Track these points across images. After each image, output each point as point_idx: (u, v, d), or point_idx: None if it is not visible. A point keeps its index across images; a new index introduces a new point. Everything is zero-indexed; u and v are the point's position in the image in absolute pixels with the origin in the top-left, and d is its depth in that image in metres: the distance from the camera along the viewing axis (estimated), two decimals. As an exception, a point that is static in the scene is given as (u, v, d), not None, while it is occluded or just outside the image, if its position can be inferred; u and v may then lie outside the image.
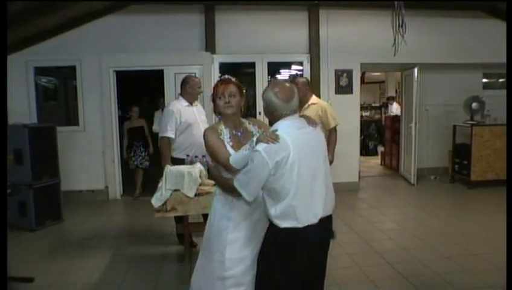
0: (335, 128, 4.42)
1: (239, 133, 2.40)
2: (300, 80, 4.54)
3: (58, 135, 5.53)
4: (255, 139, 2.10)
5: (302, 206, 2.01)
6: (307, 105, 4.30)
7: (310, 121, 2.20)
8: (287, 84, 2.16)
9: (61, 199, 5.49)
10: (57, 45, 6.26)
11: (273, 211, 2.04)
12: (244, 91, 2.45)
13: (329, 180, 2.17)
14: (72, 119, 6.70)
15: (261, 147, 1.98)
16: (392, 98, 10.91)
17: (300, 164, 2.00)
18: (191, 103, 4.10)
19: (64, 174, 5.73)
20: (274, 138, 1.98)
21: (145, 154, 6.69)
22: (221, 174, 2.33)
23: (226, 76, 2.44)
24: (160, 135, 4.09)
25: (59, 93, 7.20)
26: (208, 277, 2.34)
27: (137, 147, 6.64)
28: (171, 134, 3.98)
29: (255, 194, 2.07)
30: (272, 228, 2.11)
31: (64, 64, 6.48)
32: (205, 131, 2.39)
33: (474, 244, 4.40)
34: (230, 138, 2.34)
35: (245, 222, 2.30)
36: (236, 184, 2.07)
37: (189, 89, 4.08)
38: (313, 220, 2.04)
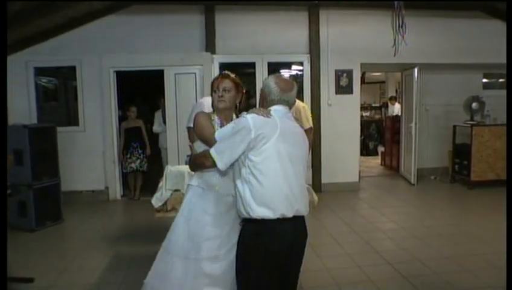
0: (310, 130, 4.45)
1: None
2: None
3: (58, 135, 5.53)
4: (245, 112, 2.14)
5: (280, 194, 1.98)
6: None
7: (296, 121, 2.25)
8: (290, 79, 2.26)
9: (61, 199, 5.49)
10: (57, 45, 6.27)
11: (249, 194, 1.98)
12: (244, 91, 2.48)
13: (304, 183, 2.15)
14: (72, 119, 6.70)
15: (249, 115, 2.01)
16: (394, 98, 10.89)
17: (284, 150, 2.00)
18: None
19: (64, 175, 5.72)
20: (266, 113, 2.03)
21: (143, 156, 6.61)
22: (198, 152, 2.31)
23: (226, 72, 2.48)
24: (186, 125, 4.18)
25: (59, 93, 7.19)
26: (177, 276, 2.26)
27: (134, 148, 6.55)
28: None
29: (228, 163, 2.04)
30: (244, 224, 2.06)
31: (64, 64, 6.48)
32: (197, 114, 2.45)
33: (474, 244, 4.40)
34: (220, 126, 2.35)
35: (225, 217, 2.26)
36: (212, 151, 2.07)
37: None
38: (288, 212, 1.99)
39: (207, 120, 2.37)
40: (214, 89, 2.41)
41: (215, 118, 2.40)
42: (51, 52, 6.26)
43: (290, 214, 2.00)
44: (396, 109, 10.30)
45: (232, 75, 2.44)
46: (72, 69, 6.40)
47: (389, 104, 11.01)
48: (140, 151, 6.59)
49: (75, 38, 6.28)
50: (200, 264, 2.23)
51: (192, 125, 4.05)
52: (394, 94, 11.52)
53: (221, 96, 2.37)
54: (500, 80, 8.06)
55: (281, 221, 1.98)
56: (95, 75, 6.34)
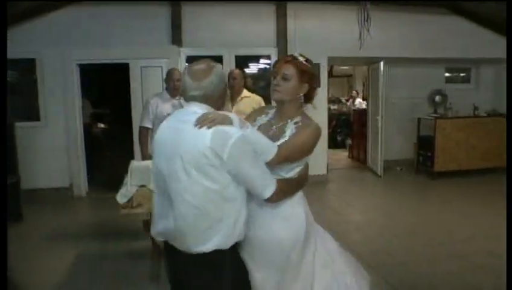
0: None
1: (274, 127, 1.98)
2: (236, 71, 4.46)
3: (18, 130, 5.32)
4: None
5: (156, 213, 1.77)
6: (239, 98, 4.30)
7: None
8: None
9: (22, 198, 5.26)
10: (15, 36, 5.95)
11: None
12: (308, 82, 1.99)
13: (195, 203, 1.58)
14: (32, 114, 6.36)
15: None
16: (357, 93, 11.43)
17: (159, 163, 1.68)
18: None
19: (25, 172, 5.51)
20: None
21: None
22: None
23: (294, 54, 2.00)
24: (140, 124, 4.24)
25: (18, 87, 6.84)
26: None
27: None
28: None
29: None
30: None
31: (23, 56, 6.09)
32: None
33: (437, 233, 4.54)
34: (260, 125, 2.00)
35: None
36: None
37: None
38: (159, 235, 1.76)
39: (251, 121, 1.97)
40: (273, 75, 1.93)
41: (262, 117, 2.03)
42: (9, 43, 5.93)
43: (160, 238, 1.78)
44: (358, 102, 10.94)
45: (301, 59, 1.96)
46: (31, 61, 6.08)
47: (353, 97, 11.42)
48: None
49: (35, 29, 5.95)
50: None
51: (145, 125, 4.01)
52: (361, 87, 11.80)
53: (277, 84, 1.90)
54: (462, 74, 8.33)
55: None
56: (57, 68, 6.08)
